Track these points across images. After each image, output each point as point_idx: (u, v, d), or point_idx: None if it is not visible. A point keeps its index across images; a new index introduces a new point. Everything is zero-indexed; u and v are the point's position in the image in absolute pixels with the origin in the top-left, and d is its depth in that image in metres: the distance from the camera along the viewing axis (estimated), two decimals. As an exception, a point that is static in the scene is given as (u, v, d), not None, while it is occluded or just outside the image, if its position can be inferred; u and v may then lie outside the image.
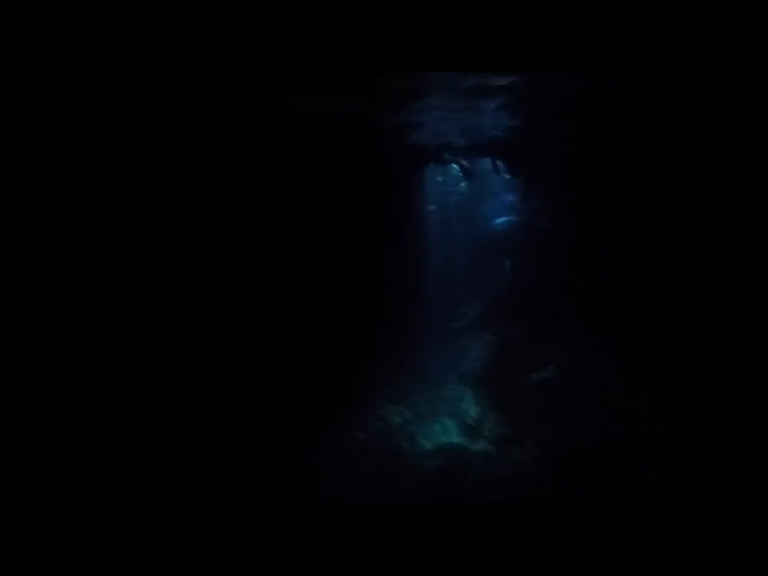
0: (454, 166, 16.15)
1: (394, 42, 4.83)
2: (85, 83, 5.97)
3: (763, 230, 5.54)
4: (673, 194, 6.60)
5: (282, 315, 9.25)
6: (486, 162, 14.52)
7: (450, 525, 6.17)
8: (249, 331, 8.65)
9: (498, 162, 13.28)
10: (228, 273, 8.29)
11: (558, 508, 6.12)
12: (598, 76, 5.80)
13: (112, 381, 6.93)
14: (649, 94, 6.03)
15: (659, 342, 6.94)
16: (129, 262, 7.32)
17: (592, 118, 7.71)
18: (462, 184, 17.22)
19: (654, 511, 5.34)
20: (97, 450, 6.62)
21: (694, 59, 4.62)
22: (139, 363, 7.15)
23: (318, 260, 9.89)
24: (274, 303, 9.10)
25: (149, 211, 7.46)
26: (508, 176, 13.25)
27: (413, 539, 5.89)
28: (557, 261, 10.01)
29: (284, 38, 4.74)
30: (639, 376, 7.47)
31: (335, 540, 5.83)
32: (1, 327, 6.39)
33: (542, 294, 10.76)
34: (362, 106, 8.55)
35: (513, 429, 9.25)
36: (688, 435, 6.13)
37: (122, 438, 6.86)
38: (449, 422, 10.37)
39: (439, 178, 16.60)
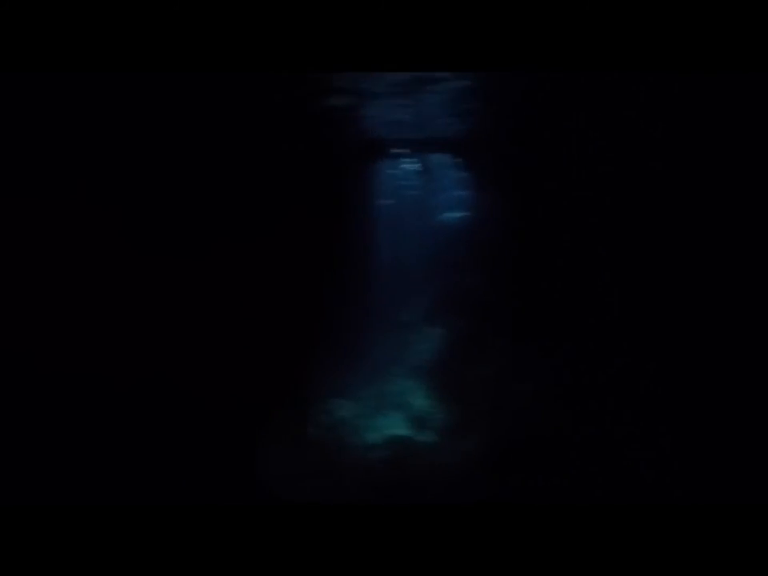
0: (406, 159, 16.18)
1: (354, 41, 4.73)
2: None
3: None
4: (632, 187, 6.71)
5: (226, 308, 9.10)
6: (438, 157, 14.62)
7: (396, 522, 6.08)
8: (190, 324, 8.48)
9: (450, 157, 13.39)
10: (172, 266, 8.24)
11: (511, 504, 6.15)
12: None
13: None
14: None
15: (608, 336, 7.14)
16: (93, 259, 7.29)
17: (542, 116, 7.83)
18: (414, 178, 17.25)
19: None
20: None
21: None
22: (82, 362, 7.06)
23: (265, 253, 9.81)
24: (217, 296, 8.94)
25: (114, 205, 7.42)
26: (460, 171, 13.36)
27: (360, 536, 5.81)
28: (506, 255, 10.16)
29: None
30: (588, 370, 7.62)
31: (281, 538, 5.68)
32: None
33: (490, 288, 10.90)
34: (312, 97, 8.49)
35: (460, 421, 9.34)
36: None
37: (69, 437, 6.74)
38: (396, 414, 10.35)
39: (391, 172, 16.57)
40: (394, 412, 10.45)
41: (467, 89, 8.57)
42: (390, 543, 5.69)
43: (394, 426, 9.93)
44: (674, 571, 4.70)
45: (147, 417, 7.46)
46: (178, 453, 7.37)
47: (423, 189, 17.03)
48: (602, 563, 4.98)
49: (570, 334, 8.11)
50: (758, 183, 5.52)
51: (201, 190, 8.63)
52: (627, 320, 7.02)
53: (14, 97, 5.94)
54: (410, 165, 16.67)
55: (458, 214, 14.94)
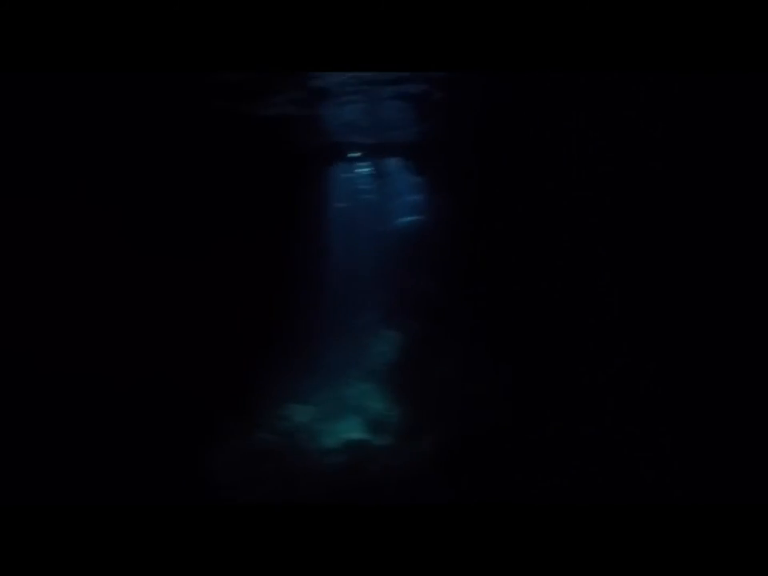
0: (362, 164, 16.23)
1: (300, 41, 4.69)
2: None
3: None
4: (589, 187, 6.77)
5: (180, 313, 8.89)
6: (394, 161, 14.73)
7: (355, 525, 6.05)
8: (144, 327, 8.25)
9: (405, 162, 13.51)
10: (126, 268, 8.00)
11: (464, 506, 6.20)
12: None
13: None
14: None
15: (563, 338, 7.27)
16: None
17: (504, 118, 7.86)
18: (370, 182, 17.31)
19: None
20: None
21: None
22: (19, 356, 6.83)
23: (220, 256, 9.64)
24: (171, 299, 8.72)
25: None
26: (415, 175, 13.49)
27: (316, 539, 5.75)
28: (460, 258, 10.31)
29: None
30: (544, 372, 7.73)
31: (232, 543, 5.57)
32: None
33: (445, 291, 11.05)
34: (266, 100, 8.42)
35: (416, 423, 9.42)
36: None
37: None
38: (353, 418, 10.35)
39: (346, 176, 16.57)
40: (351, 416, 10.44)
41: (424, 92, 8.69)
42: (346, 544, 5.67)
43: (352, 430, 9.93)
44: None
45: (100, 419, 7.22)
46: (129, 454, 7.19)
47: (379, 193, 17.13)
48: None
49: (523, 335, 8.28)
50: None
51: (155, 194, 8.41)
52: (597, 320, 7.04)
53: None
54: (365, 168, 16.74)
55: (412, 218, 15.08)
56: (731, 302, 5.72)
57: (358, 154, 14.12)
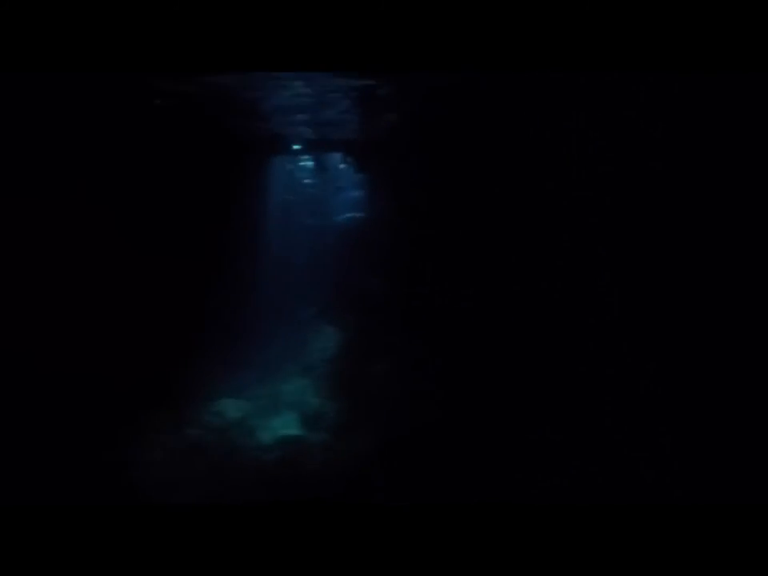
0: (304, 157, 16.05)
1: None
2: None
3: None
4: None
5: (110, 305, 8.54)
6: (337, 156, 14.66)
7: (290, 522, 5.98)
8: (70, 321, 7.86)
9: (347, 157, 13.49)
10: (53, 260, 7.68)
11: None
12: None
13: None
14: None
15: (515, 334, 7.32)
16: None
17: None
18: (312, 176, 17.16)
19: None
20: None
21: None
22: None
23: (152, 246, 9.37)
24: (98, 288, 8.36)
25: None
26: (357, 171, 13.50)
27: (250, 537, 5.65)
28: (400, 255, 10.40)
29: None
30: (483, 368, 7.86)
31: (163, 543, 5.38)
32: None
33: (384, 286, 11.11)
34: (209, 91, 8.20)
35: (353, 419, 9.44)
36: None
37: None
38: (289, 413, 10.23)
39: (288, 168, 16.34)
40: (287, 411, 10.32)
41: (371, 86, 8.67)
42: (282, 541, 5.59)
43: (288, 426, 9.82)
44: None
45: (24, 415, 6.91)
46: (46, 451, 6.91)
47: (320, 187, 16.99)
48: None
49: (461, 331, 8.41)
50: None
51: (88, 186, 8.15)
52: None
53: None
54: (308, 162, 16.56)
55: (353, 214, 15.08)
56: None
57: (300, 147, 13.95)
